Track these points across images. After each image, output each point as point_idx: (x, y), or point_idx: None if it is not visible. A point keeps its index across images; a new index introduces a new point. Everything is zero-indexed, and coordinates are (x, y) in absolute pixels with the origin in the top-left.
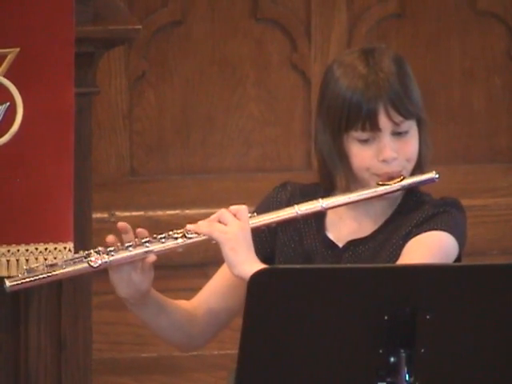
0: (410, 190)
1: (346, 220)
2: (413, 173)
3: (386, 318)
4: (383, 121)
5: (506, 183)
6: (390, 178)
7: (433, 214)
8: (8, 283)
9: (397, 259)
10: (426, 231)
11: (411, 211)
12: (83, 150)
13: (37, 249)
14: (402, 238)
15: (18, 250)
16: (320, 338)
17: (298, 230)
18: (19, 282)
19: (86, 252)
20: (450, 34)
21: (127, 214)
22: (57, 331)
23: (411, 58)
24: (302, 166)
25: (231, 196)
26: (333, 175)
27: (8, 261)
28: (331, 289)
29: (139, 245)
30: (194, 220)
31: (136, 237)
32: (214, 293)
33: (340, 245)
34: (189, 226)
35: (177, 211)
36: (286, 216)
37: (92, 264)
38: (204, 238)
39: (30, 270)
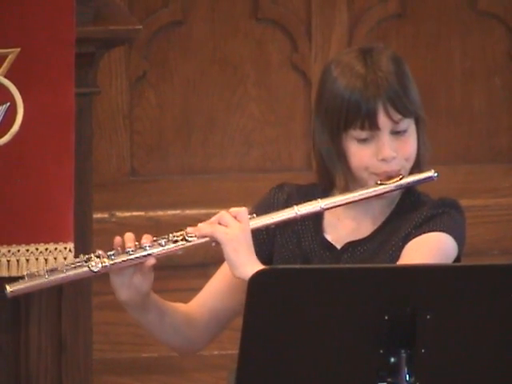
0: (408, 191)
1: (343, 221)
2: (411, 172)
3: (386, 318)
4: (382, 119)
5: (506, 183)
6: (389, 177)
7: (432, 215)
8: (8, 288)
9: (396, 260)
10: (425, 232)
11: (410, 212)
12: (84, 150)
13: (37, 249)
14: (402, 239)
15: (19, 250)
16: (320, 338)
17: (296, 232)
18: (20, 287)
19: (87, 256)
20: (450, 34)
21: (128, 214)
22: (57, 331)
23: (411, 58)
24: (303, 166)
25: (232, 196)
26: (331, 175)
27: (8, 261)
28: (331, 289)
29: (139, 248)
30: (194, 220)
31: (137, 240)
32: (214, 294)
33: (338, 246)
34: (189, 229)
35: (177, 211)
36: (286, 217)
37: (92, 268)
38: (204, 240)
39: (30, 275)
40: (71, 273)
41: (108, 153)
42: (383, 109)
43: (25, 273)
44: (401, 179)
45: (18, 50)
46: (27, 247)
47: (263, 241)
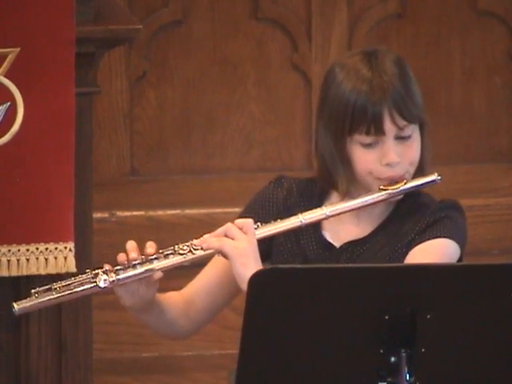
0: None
1: (343, 220)
2: (414, 175)
3: (386, 317)
4: (388, 125)
5: (506, 183)
6: (393, 181)
7: (434, 220)
8: (16, 306)
9: None
10: (428, 239)
11: (410, 213)
12: (84, 149)
13: (37, 248)
14: (405, 245)
15: (19, 250)
16: (320, 338)
17: (295, 230)
18: (26, 305)
19: (94, 272)
20: (450, 34)
21: (128, 213)
22: (57, 331)
23: (411, 58)
24: (303, 166)
25: (232, 196)
26: (333, 178)
27: (9, 260)
28: (331, 289)
29: (146, 262)
30: (194, 219)
31: (142, 254)
32: (207, 285)
33: (337, 245)
34: (195, 241)
35: (177, 211)
36: (291, 226)
37: (100, 284)
38: (210, 252)
39: (38, 293)
40: (78, 289)
41: (108, 152)
42: (389, 114)
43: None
44: (404, 184)
45: (18, 49)
46: (27, 247)
47: (262, 238)
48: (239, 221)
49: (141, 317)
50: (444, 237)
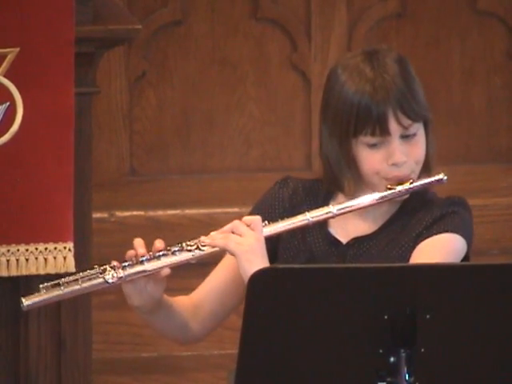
0: None
1: (349, 216)
2: (420, 173)
3: (386, 317)
4: (393, 125)
5: (505, 183)
6: (400, 181)
7: (442, 215)
8: (24, 301)
9: (406, 260)
10: (436, 233)
11: (418, 210)
12: (83, 149)
13: (37, 248)
14: (412, 240)
15: (18, 250)
16: (320, 338)
17: (301, 227)
18: (35, 300)
19: (102, 268)
20: (450, 34)
21: (127, 213)
22: (57, 331)
23: (411, 58)
24: (302, 166)
25: (231, 195)
26: (339, 180)
27: (8, 260)
28: (331, 288)
29: (153, 258)
30: (194, 219)
31: (150, 250)
32: (216, 288)
33: (343, 241)
34: (203, 238)
35: (177, 211)
36: (299, 224)
37: (108, 280)
38: (217, 249)
39: (45, 288)
40: (86, 285)
41: (107, 152)
42: (393, 114)
43: (40, 285)
44: (411, 183)
45: (18, 49)
46: (27, 247)
47: (268, 236)
48: (247, 218)
49: (149, 319)
50: (451, 231)
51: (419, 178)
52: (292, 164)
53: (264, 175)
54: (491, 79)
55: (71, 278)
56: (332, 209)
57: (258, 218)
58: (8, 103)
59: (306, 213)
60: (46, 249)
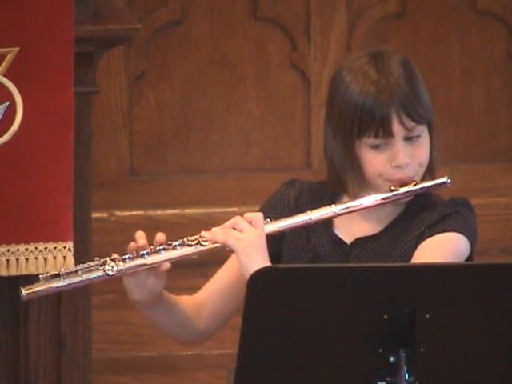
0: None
1: (354, 217)
2: (424, 175)
3: (385, 317)
4: (396, 127)
5: (505, 183)
6: (403, 183)
7: (445, 215)
8: (24, 291)
9: (409, 259)
10: (439, 232)
11: (421, 211)
12: (83, 149)
13: (36, 248)
14: (415, 238)
15: (18, 250)
16: (319, 338)
17: (306, 227)
18: (35, 290)
19: (102, 260)
20: (449, 33)
21: (127, 213)
22: (56, 330)
23: (411, 57)
24: (302, 166)
25: (231, 195)
26: (343, 181)
27: (8, 260)
28: (331, 288)
29: (154, 252)
30: (193, 219)
31: (151, 244)
32: (220, 289)
33: (348, 242)
34: (203, 233)
35: (176, 211)
36: (300, 222)
37: (108, 272)
38: (218, 245)
39: (45, 278)
40: (86, 276)
41: (107, 152)
42: (397, 116)
43: (40, 276)
44: (414, 185)
45: (17, 49)
46: (26, 246)
47: (273, 236)
48: (248, 214)
49: (150, 314)
50: (454, 231)
51: (422, 180)
52: (291, 164)
53: (263, 175)
54: (491, 79)
55: (71, 269)
56: (334, 208)
57: (259, 214)
58: (8, 103)
59: (308, 212)
60: (45, 248)
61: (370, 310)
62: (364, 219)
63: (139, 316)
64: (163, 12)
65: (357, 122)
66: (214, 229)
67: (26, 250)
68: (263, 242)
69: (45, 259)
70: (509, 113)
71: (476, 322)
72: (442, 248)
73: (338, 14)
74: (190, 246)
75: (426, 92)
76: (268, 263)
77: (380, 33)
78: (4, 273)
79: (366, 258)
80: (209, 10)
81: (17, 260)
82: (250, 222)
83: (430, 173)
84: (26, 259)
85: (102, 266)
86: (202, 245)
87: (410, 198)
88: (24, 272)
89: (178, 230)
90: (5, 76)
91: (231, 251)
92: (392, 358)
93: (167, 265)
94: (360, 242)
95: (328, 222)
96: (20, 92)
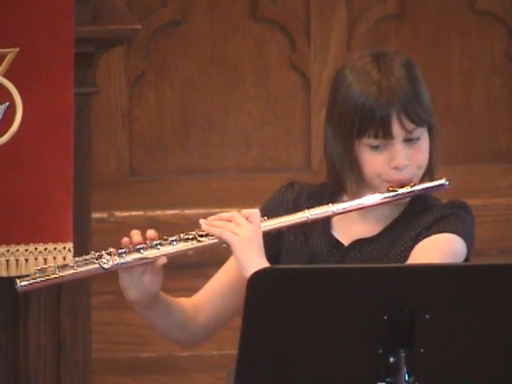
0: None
1: (352, 219)
2: (423, 177)
3: (385, 318)
4: (396, 128)
5: (505, 183)
6: (401, 184)
7: (442, 217)
8: (19, 283)
9: (405, 260)
10: (435, 233)
11: (419, 213)
12: (83, 149)
13: (36, 249)
14: (412, 239)
15: (18, 250)
16: (319, 338)
17: (304, 229)
18: (30, 281)
19: (98, 253)
20: (449, 34)
21: (126, 213)
22: (56, 331)
23: (411, 58)
24: (302, 166)
25: (230, 196)
26: (342, 181)
27: (7, 261)
28: (331, 289)
29: (150, 247)
30: (193, 220)
31: (146, 239)
32: (219, 290)
33: (345, 244)
34: (201, 221)
35: (176, 211)
36: (297, 220)
37: (103, 265)
38: (215, 240)
39: (41, 271)
40: (82, 269)
41: (107, 153)
42: (397, 118)
43: (33, 270)
44: (412, 187)
45: (17, 49)
46: (26, 247)
47: (271, 237)
48: (246, 210)
49: (147, 315)
50: (451, 232)
51: (421, 181)
52: (291, 164)
53: (263, 175)
54: (490, 79)
55: (67, 262)
56: (332, 207)
57: (256, 211)
58: (7, 103)
59: (306, 210)
60: (45, 249)
61: (370, 311)
62: (362, 221)
63: (139, 317)
64: (163, 12)
65: (357, 122)
66: (211, 217)
67: (26, 250)
68: (260, 239)
69: (44, 260)
70: (509, 113)
71: (476, 322)
72: (438, 249)
73: (337, 14)
74: (187, 241)
75: (428, 94)
76: (264, 259)
77: (380, 33)
78: (4, 273)
79: (363, 259)
80: (208, 10)
81: (16, 261)
82: (247, 218)
83: (429, 174)
84: (26, 260)
85: (97, 259)
86: (198, 240)
87: (407, 200)
88: (24, 272)
89: (177, 231)
90: (4, 76)
91: (228, 248)
92: (392, 359)
93: (163, 260)
94: (357, 243)
95: (326, 224)
96: (20, 92)
